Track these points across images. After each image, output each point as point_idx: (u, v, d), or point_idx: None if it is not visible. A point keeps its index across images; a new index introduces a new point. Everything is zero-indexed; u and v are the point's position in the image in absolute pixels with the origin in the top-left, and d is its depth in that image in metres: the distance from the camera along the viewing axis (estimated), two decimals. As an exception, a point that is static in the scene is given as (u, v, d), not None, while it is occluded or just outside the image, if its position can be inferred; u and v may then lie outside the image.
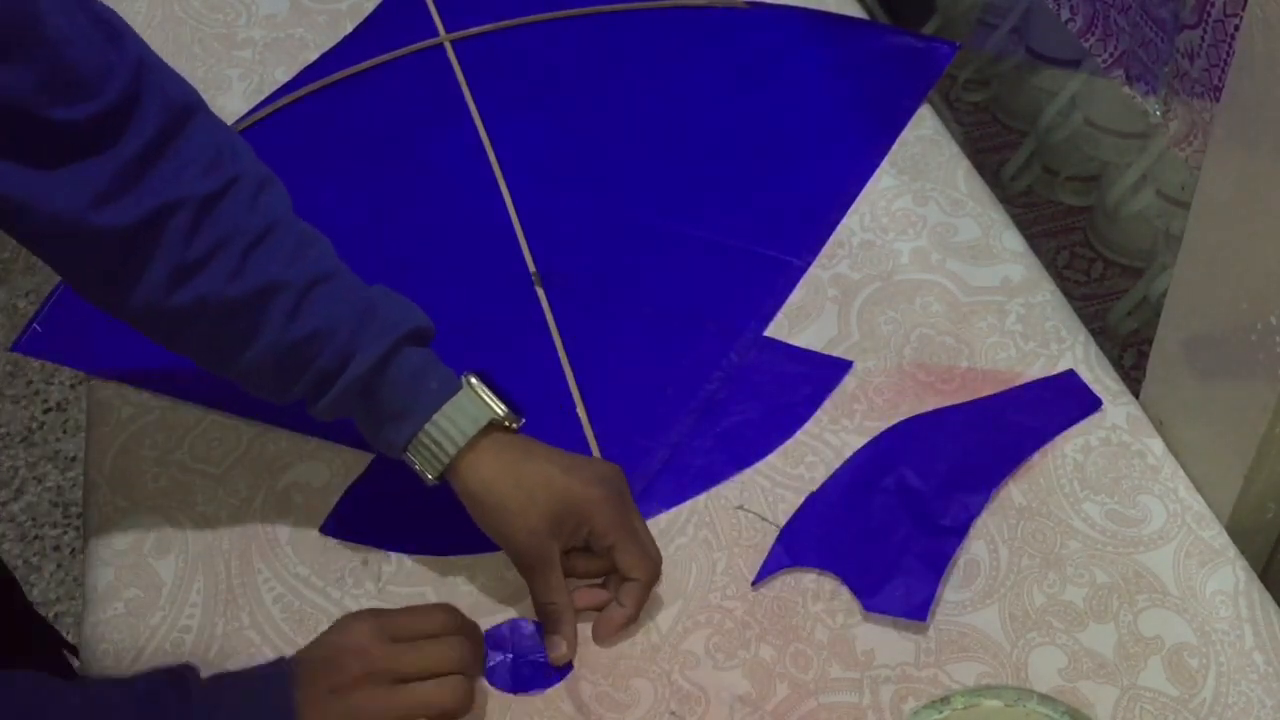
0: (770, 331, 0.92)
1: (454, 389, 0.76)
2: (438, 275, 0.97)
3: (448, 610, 0.74)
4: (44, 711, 0.62)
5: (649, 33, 1.16)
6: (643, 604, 0.76)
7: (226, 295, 0.72)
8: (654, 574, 0.77)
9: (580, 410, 0.87)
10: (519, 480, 0.75)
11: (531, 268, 0.97)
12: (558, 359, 0.91)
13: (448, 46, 1.15)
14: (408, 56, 1.15)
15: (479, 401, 0.76)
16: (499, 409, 0.76)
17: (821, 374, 0.88)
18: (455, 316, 0.85)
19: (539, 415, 0.82)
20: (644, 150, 1.06)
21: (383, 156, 1.07)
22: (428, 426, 0.74)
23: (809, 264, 0.95)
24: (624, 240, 0.99)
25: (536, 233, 0.99)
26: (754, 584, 0.78)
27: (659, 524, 0.81)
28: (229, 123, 1.12)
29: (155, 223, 0.70)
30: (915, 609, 0.75)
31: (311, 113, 1.11)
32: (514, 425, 0.77)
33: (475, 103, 1.10)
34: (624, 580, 0.76)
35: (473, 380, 0.77)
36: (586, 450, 0.85)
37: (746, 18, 1.16)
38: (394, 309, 0.77)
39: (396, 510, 0.83)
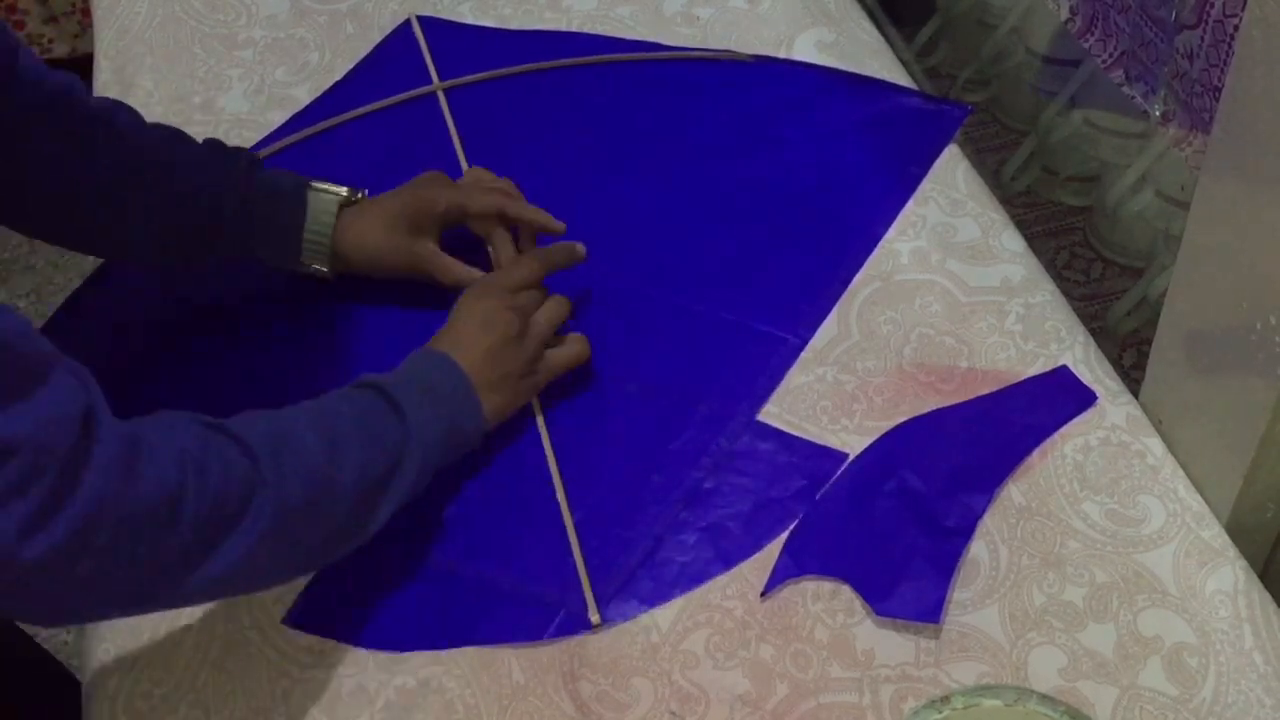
0: (763, 413, 0.86)
1: (304, 187, 0.90)
2: (418, 336, 0.85)
3: (534, 261, 0.89)
4: (283, 417, 0.72)
5: (648, 86, 1.09)
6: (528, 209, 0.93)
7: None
8: (507, 195, 0.94)
9: (560, 495, 0.83)
10: (371, 217, 0.90)
11: None
12: (539, 438, 0.86)
13: (440, 95, 1.11)
14: (399, 105, 1.10)
15: (326, 192, 0.90)
16: (341, 191, 0.91)
17: (814, 465, 0.83)
18: None
19: (517, 499, 0.83)
20: (638, 211, 1.00)
21: None
22: (305, 234, 0.90)
23: (806, 342, 0.90)
24: (612, 308, 0.93)
25: None
26: (763, 596, 0.78)
27: (639, 622, 0.77)
28: (229, 125, 1.12)
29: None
30: (928, 612, 0.75)
31: (301, 160, 1.06)
32: (359, 197, 0.92)
33: (465, 154, 1.05)
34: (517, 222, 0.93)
35: (313, 183, 0.91)
36: (565, 542, 0.81)
37: (751, 73, 1.09)
38: (229, 153, 0.91)
39: (361, 603, 0.80)
